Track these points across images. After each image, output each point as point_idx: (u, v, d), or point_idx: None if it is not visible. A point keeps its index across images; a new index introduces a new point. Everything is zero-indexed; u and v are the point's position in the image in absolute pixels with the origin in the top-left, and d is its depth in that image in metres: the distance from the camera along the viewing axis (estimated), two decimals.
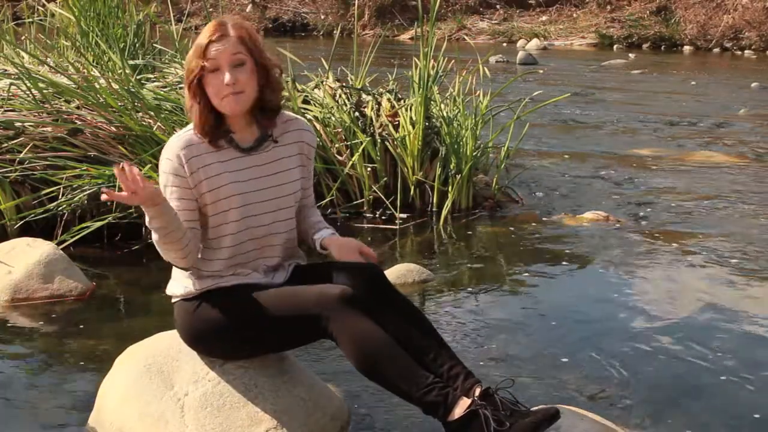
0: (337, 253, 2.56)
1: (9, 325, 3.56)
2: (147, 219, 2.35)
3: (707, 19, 21.51)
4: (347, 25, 20.89)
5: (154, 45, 6.57)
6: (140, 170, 2.31)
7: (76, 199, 4.45)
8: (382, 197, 5.29)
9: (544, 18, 23.66)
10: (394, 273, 4.10)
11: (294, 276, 2.60)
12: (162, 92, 5.14)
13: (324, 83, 5.90)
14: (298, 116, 2.70)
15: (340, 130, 5.48)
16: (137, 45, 6.33)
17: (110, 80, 4.97)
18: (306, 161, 2.62)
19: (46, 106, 4.83)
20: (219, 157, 2.47)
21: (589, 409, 2.59)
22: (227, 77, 2.37)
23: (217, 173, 2.45)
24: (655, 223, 5.36)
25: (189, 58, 2.42)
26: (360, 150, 5.28)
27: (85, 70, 5.26)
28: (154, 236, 2.39)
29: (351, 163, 5.28)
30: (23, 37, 6.64)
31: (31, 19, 6.94)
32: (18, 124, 4.67)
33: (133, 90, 4.90)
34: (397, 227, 5.13)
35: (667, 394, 2.97)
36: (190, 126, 2.50)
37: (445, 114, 5.64)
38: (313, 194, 2.72)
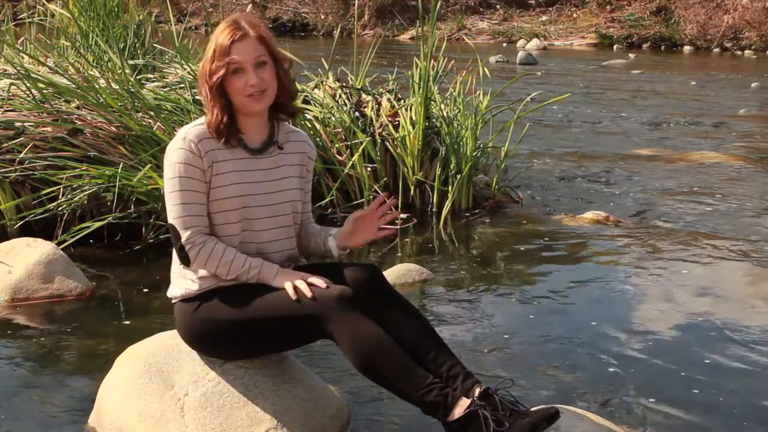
0: (353, 228, 2.56)
1: (9, 325, 3.56)
2: (255, 280, 2.44)
3: (707, 19, 21.53)
4: (347, 25, 20.90)
5: (155, 45, 6.57)
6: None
7: (76, 199, 4.45)
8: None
9: (544, 18, 23.68)
10: (394, 273, 4.09)
11: None
12: (162, 92, 5.14)
13: (324, 83, 5.90)
14: (299, 129, 2.72)
15: (340, 130, 5.48)
16: (137, 45, 6.32)
17: (110, 80, 4.97)
18: (305, 173, 2.65)
19: (46, 106, 4.82)
20: (229, 155, 2.47)
21: (589, 409, 2.60)
22: (253, 78, 2.40)
23: (227, 171, 2.46)
24: (655, 223, 5.36)
25: (209, 58, 2.43)
26: (360, 150, 5.28)
27: (84, 71, 5.25)
28: (229, 276, 2.44)
29: (351, 163, 5.28)
30: (23, 38, 6.64)
31: (31, 20, 6.94)
32: (18, 124, 4.66)
33: (133, 90, 4.90)
34: (398, 227, 5.12)
35: (667, 394, 2.97)
36: (199, 121, 2.50)
37: (445, 114, 5.64)
38: (311, 213, 2.73)
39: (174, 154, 2.43)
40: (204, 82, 2.44)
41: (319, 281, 2.40)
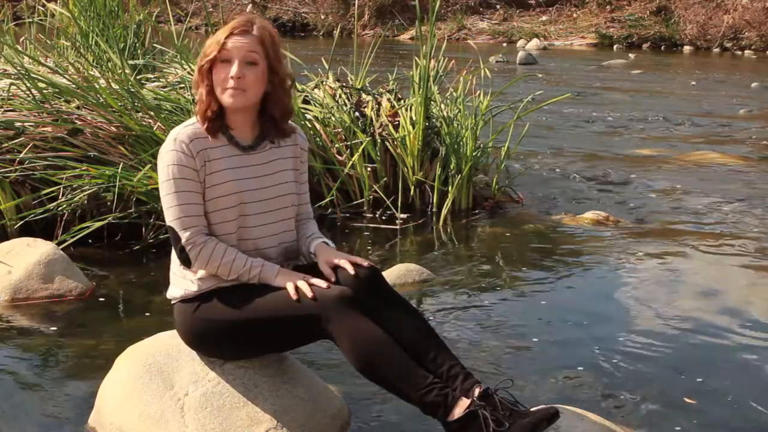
0: (324, 259, 2.53)
1: (9, 325, 3.56)
2: (256, 280, 2.43)
3: (707, 19, 21.53)
4: (347, 25, 20.91)
5: (155, 45, 6.57)
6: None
7: (76, 199, 4.45)
8: (383, 197, 5.29)
9: (544, 18, 23.67)
10: (394, 273, 4.09)
11: None
12: (162, 92, 5.14)
13: (324, 83, 5.90)
14: (291, 121, 2.71)
15: (340, 130, 5.48)
16: (137, 45, 6.32)
17: (110, 80, 4.97)
18: (299, 165, 2.64)
19: (46, 106, 4.82)
20: (221, 153, 2.47)
21: (589, 409, 2.59)
22: (234, 70, 2.40)
23: (221, 169, 2.45)
24: (655, 222, 5.36)
25: (208, 43, 2.46)
26: (360, 150, 5.28)
27: (84, 71, 5.25)
28: (230, 276, 2.44)
29: (351, 163, 5.28)
30: (23, 38, 6.64)
31: (31, 20, 6.93)
32: (18, 124, 4.66)
33: (133, 90, 4.90)
34: (398, 227, 5.12)
35: (667, 394, 2.97)
36: (190, 121, 2.51)
37: (445, 114, 5.64)
38: (309, 205, 2.73)
39: (166, 156, 2.43)
40: (198, 68, 2.47)
41: (321, 281, 2.40)
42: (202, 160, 2.43)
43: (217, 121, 2.47)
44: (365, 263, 2.49)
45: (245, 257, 2.46)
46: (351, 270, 2.45)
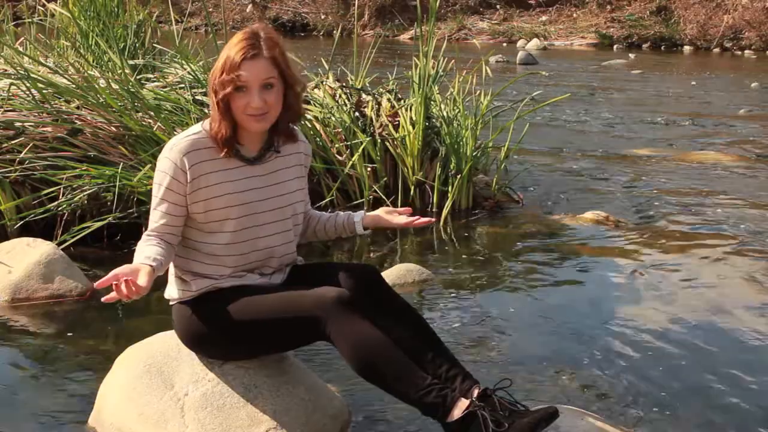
0: (384, 213, 2.75)
1: (9, 325, 3.56)
2: None
3: (707, 19, 21.54)
4: (347, 25, 20.91)
5: (155, 45, 6.57)
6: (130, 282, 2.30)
7: (76, 199, 4.45)
8: (383, 197, 5.29)
9: (544, 18, 23.68)
10: (394, 273, 4.09)
11: (292, 277, 2.60)
12: (162, 92, 5.14)
13: (324, 83, 5.90)
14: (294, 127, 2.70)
15: (340, 130, 5.48)
16: (137, 45, 6.32)
17: (110, 80, 4.97)
18: (303, 171, 2.64)
19: (46, 106, 4.82)
20: (221, 165, 2.46)
21: (589, 409, 2.60)
22: (256, 101, 2.37)
23: (217, 182, 2.44)
24: (655, 223, 5.37)
25: (219, 68, 2.39)
26: (360, 150, 5.28)
27: (84, 71, 5.25)
28: None
29: (351, 163, 5.29)
30: (23, 38, 6.64)
31: (31, 20, 6.94)
32: (18, 124, 4.67)
33: (133, 90, 4.90)
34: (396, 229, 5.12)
35: (667, 394, 2.97)
36: (195, 129, 2.49)
37: (445, 114, 5.64)
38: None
39: (162, 161, 2.44)
40: (212, 91, 2.42)
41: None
42: (195, 173, 2.41)
43: (231, 140, 2.45)
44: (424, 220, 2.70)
45: (143, 255, 2.40)
46: (409, 220, 2.71)
